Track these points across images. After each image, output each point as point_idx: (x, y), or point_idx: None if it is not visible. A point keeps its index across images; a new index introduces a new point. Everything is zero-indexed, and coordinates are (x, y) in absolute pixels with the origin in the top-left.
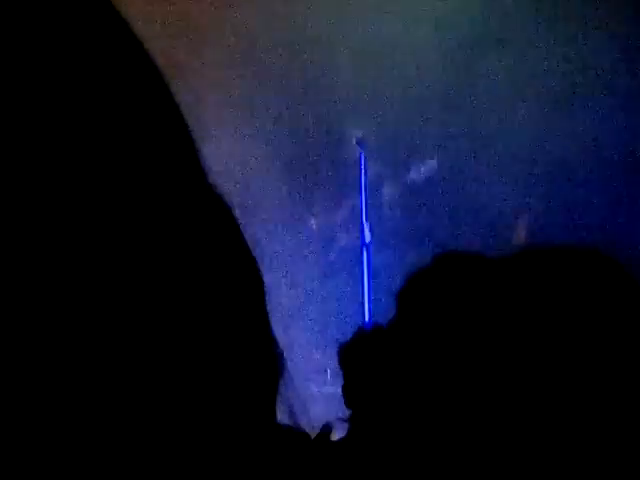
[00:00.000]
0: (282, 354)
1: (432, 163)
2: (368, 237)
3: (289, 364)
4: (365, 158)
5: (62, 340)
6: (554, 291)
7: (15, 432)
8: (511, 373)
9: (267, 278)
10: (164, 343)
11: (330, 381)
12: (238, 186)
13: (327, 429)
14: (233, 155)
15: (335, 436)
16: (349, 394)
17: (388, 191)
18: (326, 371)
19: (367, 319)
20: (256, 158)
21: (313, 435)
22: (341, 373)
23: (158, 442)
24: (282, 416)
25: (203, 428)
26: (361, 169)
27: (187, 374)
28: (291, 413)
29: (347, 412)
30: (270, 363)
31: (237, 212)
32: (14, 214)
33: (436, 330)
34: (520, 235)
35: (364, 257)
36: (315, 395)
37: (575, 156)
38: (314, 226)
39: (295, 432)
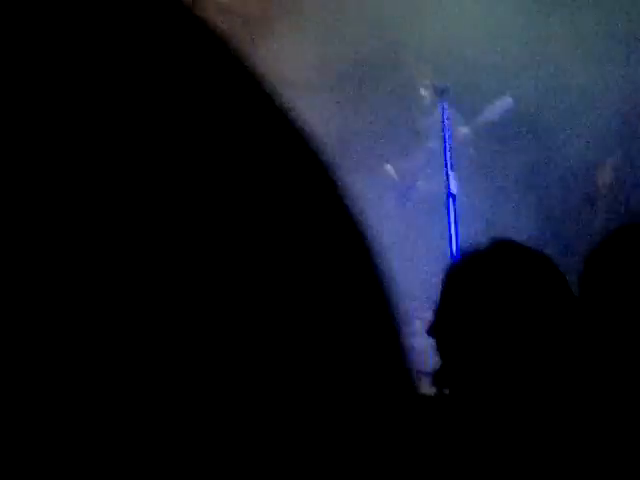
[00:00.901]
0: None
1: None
2: (455, 187)
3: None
4: (445, 108)
5: (74, 336)
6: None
7: (15, 431)
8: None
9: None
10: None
11: (418, 333)
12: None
13: (412, 380)
14: (308, 107)
15: (418, 389)
16: (437, 349)
17: (462, 135)
18: (413, 323)
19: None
20: (325, 103)
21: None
22: (429, 326)
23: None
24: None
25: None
26: (443, 119)
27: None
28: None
29: (433, 366)
30: (355, 316)
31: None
32: (17, 210)
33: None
34: (604, 180)
35: (450, 208)
36: (402, 347)
37: None
38: (391, 172)
39: (381, 384)
